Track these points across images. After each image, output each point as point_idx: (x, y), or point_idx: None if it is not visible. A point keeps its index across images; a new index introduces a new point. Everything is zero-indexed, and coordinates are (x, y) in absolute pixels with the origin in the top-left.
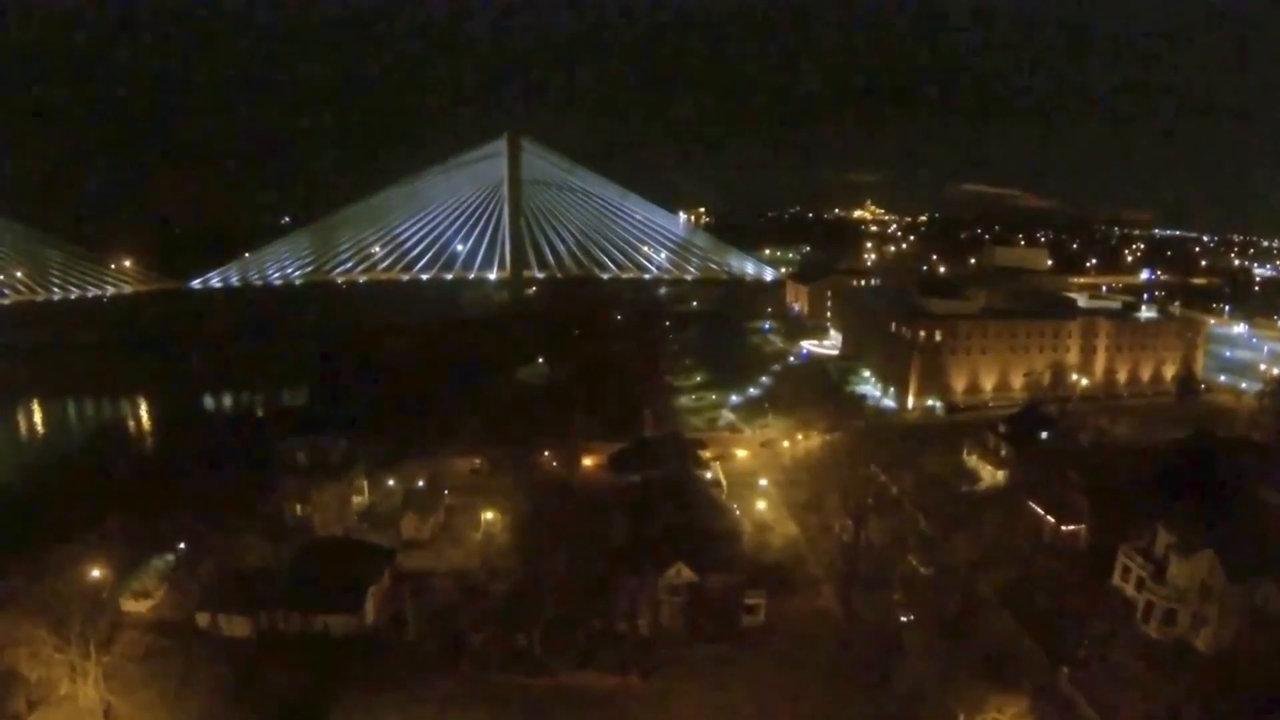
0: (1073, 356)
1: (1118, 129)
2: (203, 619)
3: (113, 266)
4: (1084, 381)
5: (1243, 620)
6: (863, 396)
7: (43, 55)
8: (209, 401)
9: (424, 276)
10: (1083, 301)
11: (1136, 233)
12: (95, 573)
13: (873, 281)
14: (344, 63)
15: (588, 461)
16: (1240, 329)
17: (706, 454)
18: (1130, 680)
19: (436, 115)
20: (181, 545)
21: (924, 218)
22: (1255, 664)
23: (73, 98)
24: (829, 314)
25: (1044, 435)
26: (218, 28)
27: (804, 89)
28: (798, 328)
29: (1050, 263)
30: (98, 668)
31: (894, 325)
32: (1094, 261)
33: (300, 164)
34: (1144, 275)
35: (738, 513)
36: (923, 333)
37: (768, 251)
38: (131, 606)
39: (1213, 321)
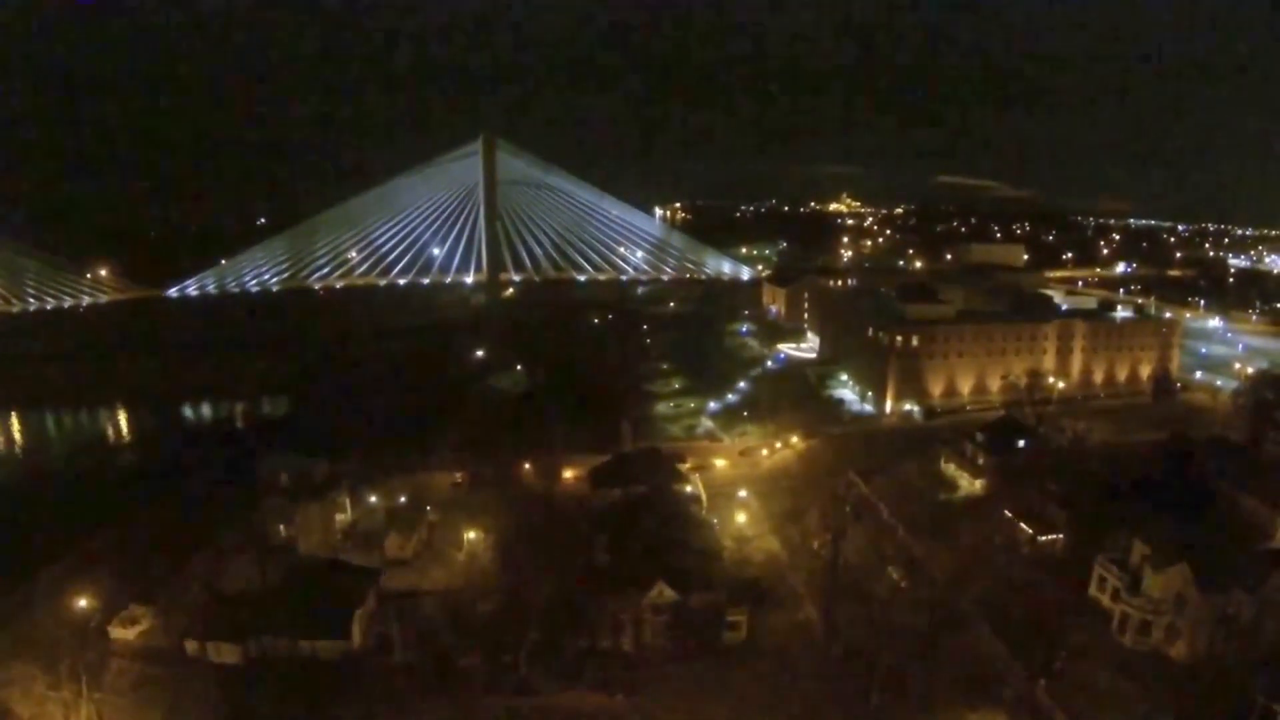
0: (1049, 358)
1: (1092, 118)
2: (191, 646)
3: (88, 275)
4: (1060, 384)
5: (1215, 631)
6: (840, 401)
7: (12, 61)
8: (189, 413)
9: (401, 281)
10: (1059, 298)
11: (1113, 222)
12: (82, 601)
13: (850, 281)
14: (318, 66)
15: (568, 474)
16: (1215, 323)
17: (686, 466)
18: (1105, 691)
19: (410, 117)
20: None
21: (900, 210)
22: (1228, 674)
23: (42, 105)
24: (806, 316)
25: (1021, 443)
26: (190, 34)
27: (779, 82)
28: (775, 330)
29: (1026, 258)
30: (90, 704)
31: (871, 330)
32: (1070, 255)
33: (274, 167)
34: (1120, 268)
35: (717, 526)
36: (899, 338)
37: (744, 250)
38: (120, 634)
39: (1188, 315)
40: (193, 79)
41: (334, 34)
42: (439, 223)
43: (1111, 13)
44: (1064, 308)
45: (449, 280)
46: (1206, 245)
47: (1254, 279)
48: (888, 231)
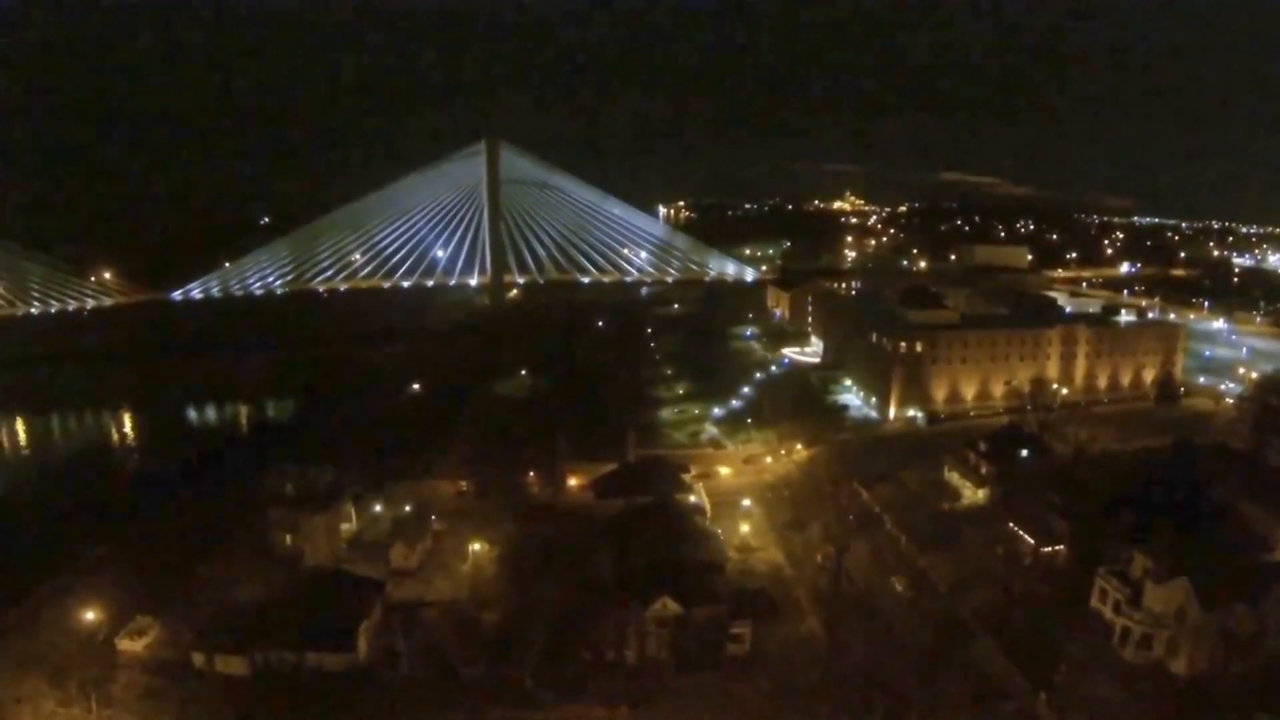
0: (1053, 364)
1: (1096, 115)
2: (198, 658)
3: (92, 278)
4: (1064, 390)
5: (1216, 645)
6: (844, 406)
7: (15, 62)
8: (193, 418)
9: (405, 283)
10: (1063, 300)
11: (1116, 220)
12: (89, 614)
13: (854, 284)
14: (324, 67)
15: (573, 482)
16: (1220, 324)
17: (690, 475)
18: (1106, 705)
19: (415, 120)
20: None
21: (904, 208)
22: (1229, 689)
23: (46, 106)
24: (810, 320)
25: (1024, 452)
26: (194, 34)
27: (783, 80)
28: (779, 334)
29: (1030, 258)
30: None
31: (874, 336)
32: (1074, 255)
33: (278, 169)
34: (1124, 268)
35: (721, 536)
36: (903, 344)
37: (748, 250)
38: (127, 646)
39: (1192, 316)
40: (194, 79)
41: (338, 35)
42: (443, 225)
43: (1116, 9)
44: (1068, 310)
45: (453, 282)
46: (1211, 244)
47: (1259, 279)
48: (891, 230)
